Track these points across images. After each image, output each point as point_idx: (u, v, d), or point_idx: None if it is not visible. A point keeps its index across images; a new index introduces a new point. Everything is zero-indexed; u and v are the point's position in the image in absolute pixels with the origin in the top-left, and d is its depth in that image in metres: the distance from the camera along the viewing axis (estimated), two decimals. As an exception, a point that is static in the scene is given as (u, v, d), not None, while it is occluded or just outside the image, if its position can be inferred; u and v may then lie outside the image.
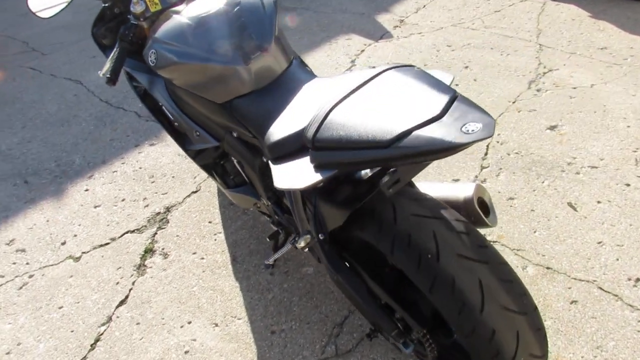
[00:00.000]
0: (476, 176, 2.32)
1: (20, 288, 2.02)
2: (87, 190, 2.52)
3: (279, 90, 1.43)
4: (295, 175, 1.12)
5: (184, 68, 1.48)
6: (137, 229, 2.25)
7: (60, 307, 1.92)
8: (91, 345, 1.77)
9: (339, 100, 1.08)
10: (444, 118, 0.93)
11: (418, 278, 1.15)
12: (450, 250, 1.12)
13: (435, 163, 2.42)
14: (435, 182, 1.54)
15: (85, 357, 1.73)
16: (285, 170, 1.16)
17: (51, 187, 2.57)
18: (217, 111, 1.53)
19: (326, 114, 1.07)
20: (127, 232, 2.23)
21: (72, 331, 1.82)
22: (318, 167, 1.07)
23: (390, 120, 0.97)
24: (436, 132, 0.90)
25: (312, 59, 3.58)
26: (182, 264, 2.04)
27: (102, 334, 1.80)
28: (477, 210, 1.41)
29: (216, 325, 1.80)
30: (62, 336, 1.81)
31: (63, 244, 2.21)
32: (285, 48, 1.53)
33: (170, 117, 1.79)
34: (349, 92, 1.10)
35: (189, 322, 1.82)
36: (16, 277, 2.07)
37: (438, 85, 1.02)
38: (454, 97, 0.97)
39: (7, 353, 1.77)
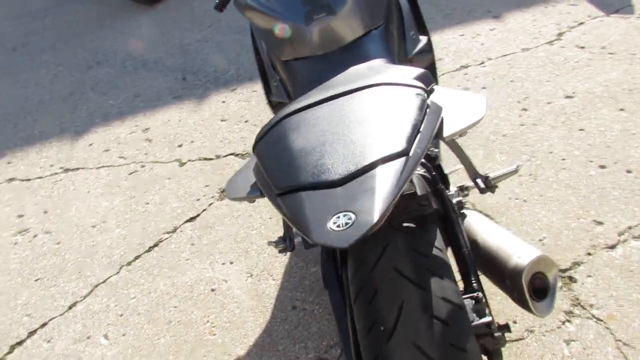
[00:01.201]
0: (629, 227, 1.75)
1: (131, 174, 2.27)
2: (224, 102, 2.64)
3: (333, 62, 1.21)
4: (240, 180, 0.95)
5: (255, 14, 1.34)
6: (241, 154, 2.30)
7: (147, 203, 2.11)
8: (149, 248, 1.93)
9: (303, 107, 0.85)
10: (339, 189, 0.67)
11: (363, 344, 0.92)
12: (409, 334, 0.85)
13: (570, 180, 1.88)
14: (498, 226, 1.19)
15: (139, 255, 1.90)
16: (242, 170, 1.00)
17: (199, 90, 2.76)
18: (282, 68, 1.38)
19: (278, 120, 0.85)
20: (231, 154, 2.30)
21: (143, 228, 2.01)
22: (255, 181, 0.89)
23: (301, 163, 0.75)
24: (314, 204, 0.66)
25: (514, 21, 3.02)
26: (257, 204, 2.04)
27: (162, 241, 1.95)
28: (523, 287, 1.05)
29: (251, 276, 1.78)
30: (134, 230, 2.01)
31: (180, 146, 2.39)
32: (370, 14, 1.27)
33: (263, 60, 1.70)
34: (321, 100, 0.85)
35: (231, 262, 1.83)
36: (132, 162, 2.33)
37: (403, 134, 0.73)
38: (401, 154, 0.68)
39: (93, 226, 2.05)
